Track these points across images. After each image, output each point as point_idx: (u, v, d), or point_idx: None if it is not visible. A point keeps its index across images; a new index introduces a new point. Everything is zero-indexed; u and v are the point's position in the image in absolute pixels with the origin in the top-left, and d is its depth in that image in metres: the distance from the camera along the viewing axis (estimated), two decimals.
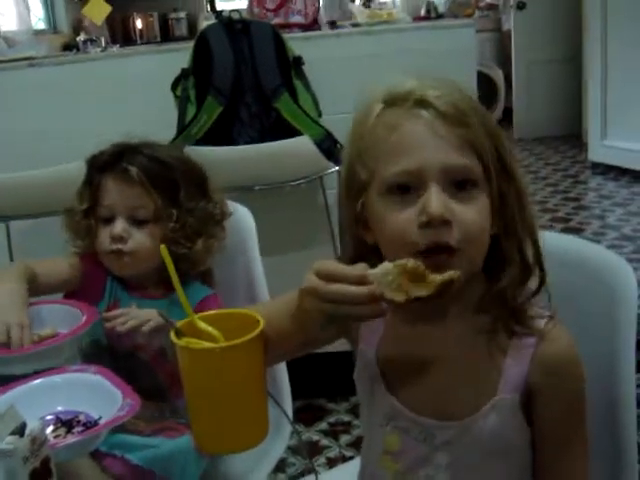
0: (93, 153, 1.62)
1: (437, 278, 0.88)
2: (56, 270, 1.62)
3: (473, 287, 1.04)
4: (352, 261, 0.98)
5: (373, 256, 1.05)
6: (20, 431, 0.89)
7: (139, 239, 1.56)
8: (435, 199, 0.96)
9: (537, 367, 1.04)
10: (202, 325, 0.98)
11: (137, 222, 1.56)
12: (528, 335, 1.05)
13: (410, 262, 0.88)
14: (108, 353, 1.57)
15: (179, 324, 0.98)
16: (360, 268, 0.90)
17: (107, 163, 1.59)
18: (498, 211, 1.03)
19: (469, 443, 1.05)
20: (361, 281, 0.88)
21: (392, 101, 1.05)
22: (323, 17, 3.09)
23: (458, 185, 0.99)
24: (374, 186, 1.03)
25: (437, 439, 1.07)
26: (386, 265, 0.89)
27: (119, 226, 1.55)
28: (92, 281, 1.63)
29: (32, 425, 0.90)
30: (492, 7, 7.97)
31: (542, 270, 1.06)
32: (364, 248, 1.08)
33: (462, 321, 1.07)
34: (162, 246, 1.00)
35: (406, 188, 1.00)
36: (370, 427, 1.18)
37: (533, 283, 1.07)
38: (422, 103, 1.01)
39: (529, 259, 1.05)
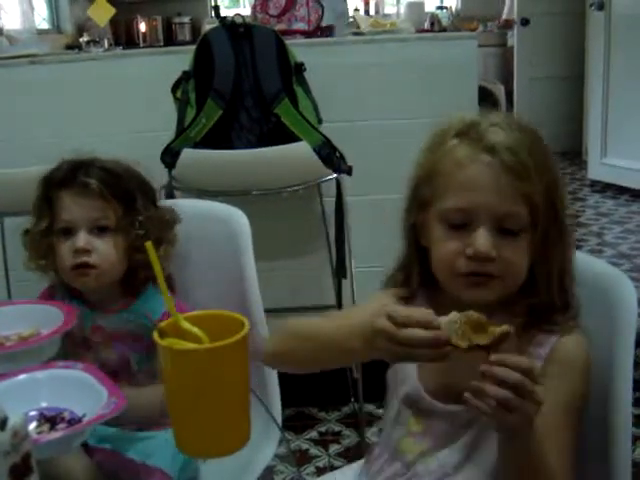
0: (46, 173, 1.61)
1: (496, 330, 0.97)
2: None
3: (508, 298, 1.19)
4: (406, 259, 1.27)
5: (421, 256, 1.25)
6: (1, 425, 0.88)
7: (103, 250, 1.55)
8: (483, 239, 1.12)
9: (548, 357, 1.16)
10: (186, 325, 0.97)
11: (99, 233, 1.55)
12: (551, 334, 1.18)
13: (474, 314, 0.98)
14: None
15: (162, 324, 0.96)
16: (428, 314, 1.00)
17: (64, 179, 1.58)
18: (538, 249, 1.17)
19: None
20: (430, 326, 0.98)
21: (465, 138, 1.17)
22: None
23: (504, 229, 1.14)
24: (434, 209, 1.19)
25: (457, 421, 1.18)
26: (454, 314, 0.99)
27: (82, 239, 1.54)
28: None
29: (14, 419, 0.88)
30: (508, 24, 7.92)
31: (567, 305, 1.21)
32: (415, 248, 1.26)
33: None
34: (148, 243, 0.98)
35: (460, 222, 1.15)
36: (396, 411, 1.28)
37: None
38: (491, 150, 1.14)
39: (555, 292, 1.20)
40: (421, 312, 1.01)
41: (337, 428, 2.89)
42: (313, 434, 2.86)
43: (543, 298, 1.19)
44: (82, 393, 1.14)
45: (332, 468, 2.61)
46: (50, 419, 1.12)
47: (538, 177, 1.14)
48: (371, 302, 1.29)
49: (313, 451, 2.74)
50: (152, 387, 1.46)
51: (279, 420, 1.72)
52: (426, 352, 0.98)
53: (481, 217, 1.13)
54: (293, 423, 2.89)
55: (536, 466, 1.04)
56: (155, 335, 0.93)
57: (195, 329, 0.94)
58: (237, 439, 0.97)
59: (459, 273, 1.15)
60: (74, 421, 1.10)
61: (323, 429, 2.90)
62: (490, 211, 1.12)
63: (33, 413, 1.14)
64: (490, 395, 0.95)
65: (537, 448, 1.03)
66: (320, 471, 2.61)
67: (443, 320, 0.98)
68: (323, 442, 2.81)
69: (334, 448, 2.75)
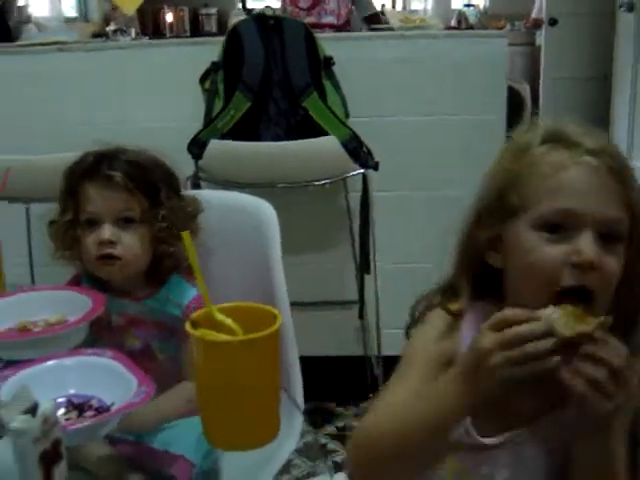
0: (70, 165, 1.60)
1: (596, 319, 0.94)
2: None
3: None
4: (461, 276, 1.16)
5: (487, 277, 1.14)
6: (32, 411, 0.88)
7: (128, 242, 1.54)
8: (590, 244, 1.02)
9: None
10: (220, 317, 0.96)
11: (124, 225, 1.55)
12: None
13: (570, 307, 0.96)
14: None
15: (195, 315, 0.96)
16: (525, 311, 0.95)
17: (88, 171, 1.57)
18: (631, 262, 1.09)
19: (536, 443, 1.09)
20: (532, 319, 0.94)
21: (559, 144, 1.10)
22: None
23: (605, 237, 1.05)
24: (525, 217, 1.08)
25: (506, 448, 1.09)
26: (551, 308, 0.95)
27: (108, 231, 1.53)
28: None
29: (44, 406, 0.88)
30: (537, 24, 7.86)
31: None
32: (481, 268, 1.15)
33: None
34: (184, 233, 0.98)
35: (558, 227, 1.05)
36: None
37: None
38: (595, 153, 1.07)
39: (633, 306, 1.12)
40: (518, 309, 0.97)
41: (355, 424, 2.88)
42: (331, 429, 2.86)
43: (619, 312, 1.09)
44: (111, 381, 1.14)
45: None
46: (78, 406, 1.12)
47: (635, 185, 1.09)
48: (424, 341, 1.19)
49: (331, 446, 2.74)
50: (174, 393, 1.47)
51: (300, 415, 1.72)
52: (539, 344, 0.93)
53: (585, 221, 1.04)
54: (311, 417, 2.88)
55: (611, 471, 1.02)
56: (188, 326, 0.92)
57: (229, 321, 0.94)
58: (267, 432, 0.97)
59: (555, 288, 1.03)
60: (102, 409, 1.10)
61: (341, 424, 2.90)
62: (595, 215, 1.04)
63: (61, 400, 1.14)
64: (585, 373, 0.92)
65: (614, 451, 1.01)
66: (337, 466, 2.60)
67: (542, 313, 0.95)
68: (341, 437, 2.80)
69: None
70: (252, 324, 0.93)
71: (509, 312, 0.96)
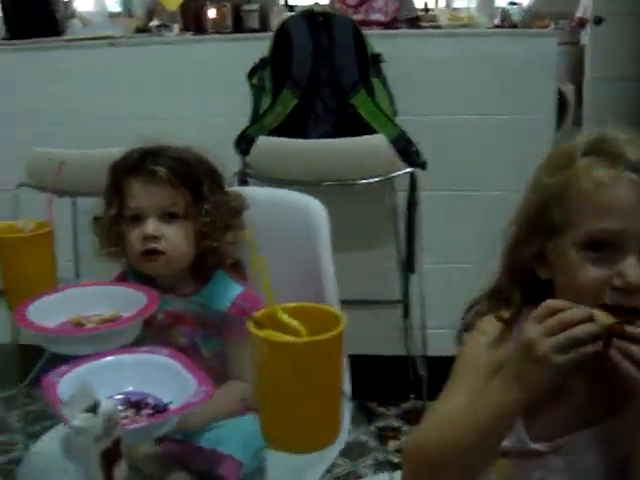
0: (115, 160, 1.62)
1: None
2: None
3: None
4: (510, 285, 1.15)
5: (534, 286, 1.13)
6: (93, 409, 0.87)
7: (172, 237, 1.55)
8: (634, 267, 1.01)
9: None
10: (285, 318, 0.95)
11: (168, 220, 1.56)
12: None
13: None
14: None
15: (258, 315, 0.95)
16: (565, 302, 0.97)
17: (133, 166, 1.58)
18: None
19: (591, 449, 1.08)
20: (570, 307, 0.96)
21: (601, 156, 1.08)
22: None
23: None
24: (569, 234, 1.07)
25: (560, 451, 1.10)
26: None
27: (151, 225, 1.54)
28: None
29: (106, 404, 0.88)
30: (582, 23, 7.76)
31: None
32: (528, 278, 1.14)
33: None
34: (248, 232, 0.97)
35: (601, 244, 1.04)
36: None
37: None
38: (636, 168, 1.04)
39: None
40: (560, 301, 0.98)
41: (396, 424, 2.88)
42: (372, 428, 2.85)
43: None
44: (168, 379, 1.13)
45: (391, 464, 2.60)
46: (135, 404, 1.11)
47: None
48: (476, 342, 1.18)
49: (371, 445, 2.73)
50: (226, 392, 1.49)
51: (348, 414, 1.71)
52: (584, 328, 0.94)
53: (629, 241, 1.03)
54: (351, 415, 2.88)
55: None
56: (251, 326, 0.91)
57: (294, 322, 0.93)
58: (328, 434, 0.96)
59: (600, 303, 1.03)
60: (159, 407, 1.09)
61: (382, 424, 2.89)
62: (638, 234, 1.03)
63: (118, 397, 1.13)
64: (632, 354, 0.93)
65: None
66: (379, 465, 2.60)
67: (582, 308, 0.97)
68: (382, 437, 2.80)
69: (393, 444, 2.74)
70: (314, 325, 0.92)
71: (552, 302, 0.97)
